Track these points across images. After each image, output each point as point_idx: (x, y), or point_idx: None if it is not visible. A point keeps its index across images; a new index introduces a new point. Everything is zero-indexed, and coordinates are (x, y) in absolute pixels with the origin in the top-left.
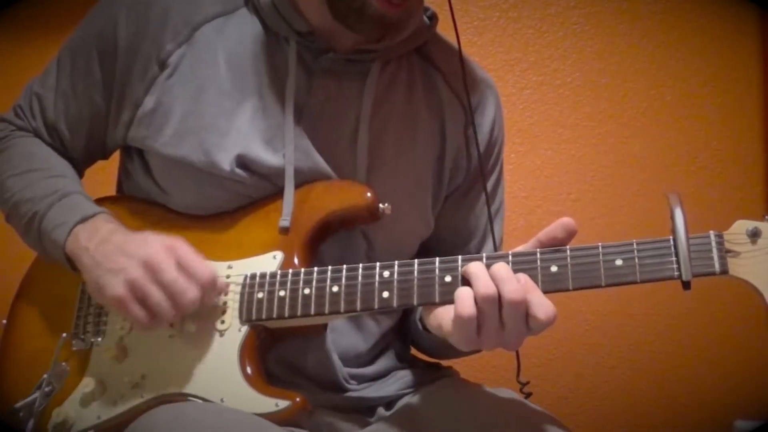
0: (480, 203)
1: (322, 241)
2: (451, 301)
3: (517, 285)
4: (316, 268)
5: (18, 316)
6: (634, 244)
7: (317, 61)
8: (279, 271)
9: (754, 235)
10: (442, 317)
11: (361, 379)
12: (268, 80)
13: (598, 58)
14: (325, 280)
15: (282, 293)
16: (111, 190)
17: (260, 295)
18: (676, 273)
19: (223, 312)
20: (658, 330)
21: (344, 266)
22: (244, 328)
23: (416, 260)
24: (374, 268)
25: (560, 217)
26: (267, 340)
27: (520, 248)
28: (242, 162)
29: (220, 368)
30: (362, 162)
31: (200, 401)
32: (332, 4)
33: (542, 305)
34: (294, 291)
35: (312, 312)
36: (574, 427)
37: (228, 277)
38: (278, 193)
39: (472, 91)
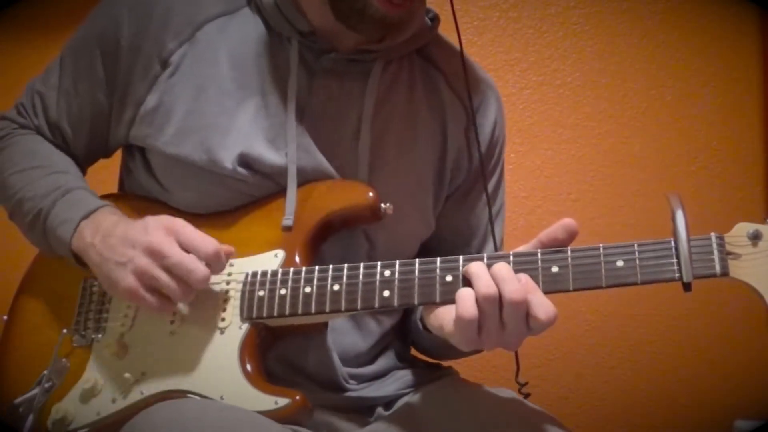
0: (481, 204)
1: (324, 241)
2: (452, 301)
3: (517, 285)
4: (317, 267)
5: (19, 312)
6: (635, 245)
7: (319, 61)
8: (280, 270)
9: (755, 237)
10: (443, 317)
11: (361, 379)
12: (270, 80)
13: (598, 58)
14: (326, 279)
15: (283, 291)
16: (113, 189)
17: (261, 293)
18: (677, 274)
19: (224, 309)
20: (659, 330)
21: (345, 265)
22: (245, 326)
23: (417, 260)
24: (375, 267)
25: (560, 217)
26: (267, 338)
27: (521, 248)
28: (244, 160)
29: (221, 365)
30: (364, 162)
31: (200, 398)
32: (334, 5)
33: (543, 305)
34: (295, 289)
35: (313, 310)
36: (574, 427)
37: (229, 274)
38: (280, 192)
39: (474, 92)
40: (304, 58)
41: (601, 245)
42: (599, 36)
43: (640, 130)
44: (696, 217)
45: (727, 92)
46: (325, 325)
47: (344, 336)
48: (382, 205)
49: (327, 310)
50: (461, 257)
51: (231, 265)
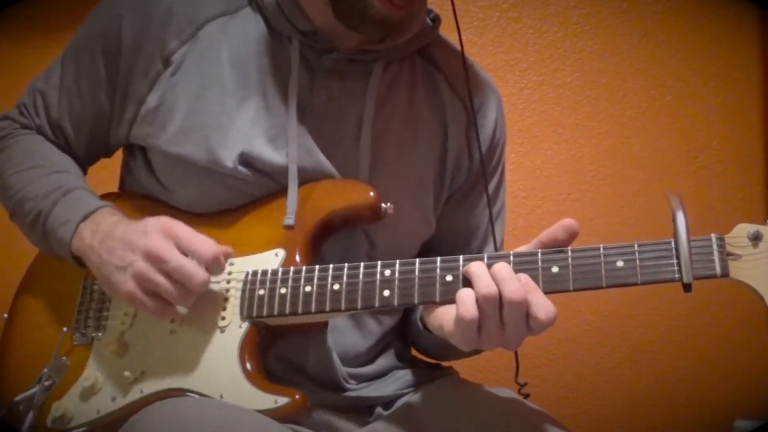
0: (481, 204)
1: (325, 240)
2: (452, 301)
3: (518, 285)
4: (317, 266)
5: (19, 310)
6: (635, 245)
7: (320, 61)
8: (280, 269)
9: (756, 238)
10: (443, 317)
11: (361, 379)
12: (271, 79)
13: (598, 58)
14: (326, 278)
15: (283, 290)
16: (113, 188)
17: (261, 292)
18: (677, 275)
19: (224, 308)
20: (659, 330)
21: (346, 264)
22: (245, 325)
23: (417, 259)
24: (375, 266)
25: (560, 217)
26: (267, 337)
27: (521, 248)
28: (245, 159)
29: (220, 364)
30: (365, 162)
31: (199, 397)
32: (335, 5)
33: (543, 305)
34: (295, 288)
35: (313, 309)
36: (574, 427)
37: (230, 273)
38: (280, 192)
39: (475, 93)
40: (305, 57)
41: (601, 245)
42: (599, 36)
43: (640, 130)
44: (696, 217)
45: (727, 92)
46: (325, 324)
47: (344, 336)
48: (383, 204)
49: (327, 309)
50: (461, 257)
51: (231, 264)
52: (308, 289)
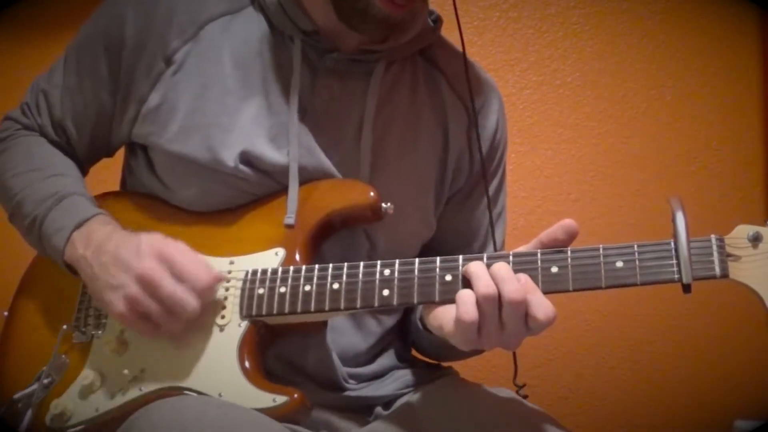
0: (482, 206)
1: (325, 239)
2: (451, 301)
3: (517, 285)
4: (317, 266)
5: (19, 308)
6: (635, 246)
7: (322, 61)
8: (280, 268)
9: (755, 239)
10: (443, 317)
11: (360, 379)
12: (273, 79)
13: (598, 58)
14: (325, 278)
15: (283, 289)
16: (114, 189)
17: (261, 291)
18: (677, 276)
19: (224, 307)
20: (659, 330)
21: (345, 264)
22: (244, 324)
23: (417, 259)
24: (375, 266)
25: (560, 217)
26: (267, 336)
27: (521, 248)
28: (246, 159)
29: (219, 363)
30: (365, 162)
31: (198, 396)
32: (337, 4)
33: (542, 306)
34: (295, 287)
35: (312, 309)
36: (574, 427)
37: (230, 272)
38: (281, 191)
39: (476, 94)
40: (307, 57)
41: (600, 246)
42: (599, 36)
43: (640, 130)
44: (695, 217)
45: (727, 92)
46: (325, 324)
47: (344, 335)
48: (383, 204)
49: (326, 308)
50: (461, 257)
51: (231, 263)
52: (308, 288)
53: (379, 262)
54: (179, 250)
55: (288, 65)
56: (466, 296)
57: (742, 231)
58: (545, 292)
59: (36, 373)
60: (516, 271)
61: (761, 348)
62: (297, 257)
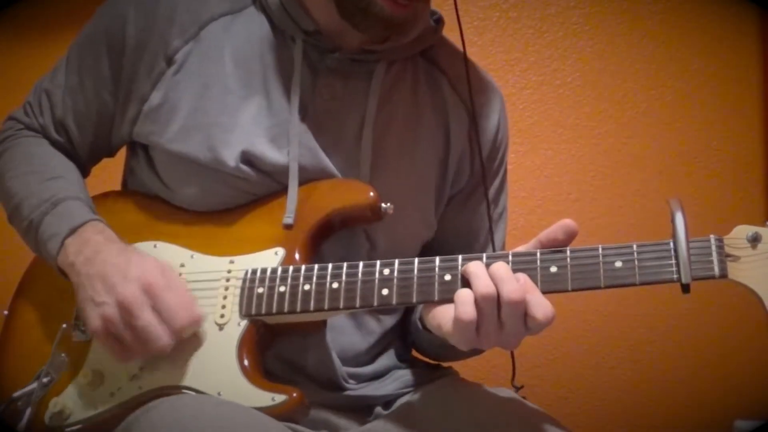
0: (483, 207)
1: (325, 239)
2: (451, 300)
3: (516, 285)
4: (316, 265)
5: (19, 307)
6: (634, 246)
7: (323, 61)
8: (280, 267)
9: (755, 240)
10: (442, 317)
11: (360, 378)
12: (274, 78)
13: (598, 58)
14: (325, 277)
15: (282, 289)
16: (115, 189)
17: (260, 290)
18: (675, 276)
19: (223, 306)
20: (658, 330)
21: (345, 263)
22: (244, 323)
23: (416, 258)
24: (374, 265)
25: (560, 217)
26: (266, 335)
27: (520, 248)
28: (247, 158)
29: (218, 362)
30: (366, 162)
31: (197, 394)
32: (339, 3)
33: (541, 305)
34: (294, 287)
35: (311, 308)
36: (574, 427)
37: (229, 272)
38: (281, 191)
39: (477, 95)
40: (308, 57)
41: (599, 246)
42: (599, 36)
43: (640, 130)
44: (695, 217)
45: (727, 92)
46: (324, 323)
47: (344, 335)
48: (383, 204)
49: (326, 307)
50: (460, 256)
51: (231, 263)
52: (307, 287)
53: (378, 261)
54: (166, 284)
55: (289, 65)
56: (464, 296)
57: (741, 231)
58: (544, 292)
59: (35, 372)
60: (515, 271)
61: (761, 348)
62: (296, 257)
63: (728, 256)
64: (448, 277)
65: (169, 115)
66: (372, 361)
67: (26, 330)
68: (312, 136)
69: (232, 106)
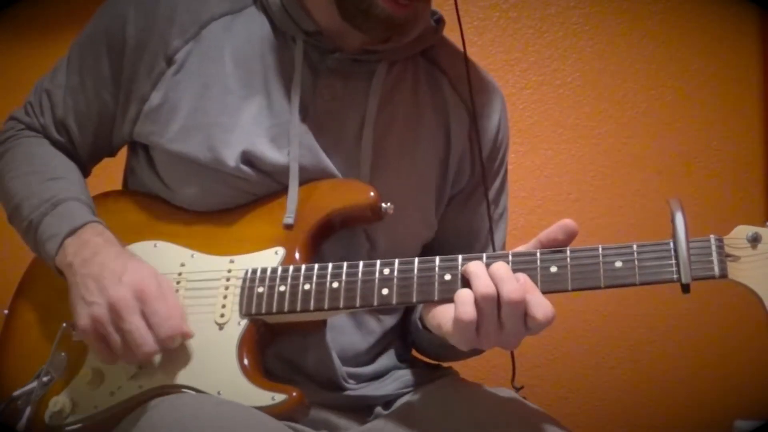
0: (484, 207)
1: (325, 239)
2: (451, 300)
3: (516, 285)
4: (317, 265)
5: (19, 306)
6: (634, 246)
7: (324, 61)
8: (280, 267)
9: (755, 240)
10: (442, 316)
11: (360, 378)
12: (275, 78)
13: (598, 58)
14: (325, 276)
15: (282, 288)
16: (116, 188)
17: (260, 289)
18: (675, 276)
19: (223, 305)
20: (659, 330)
21: (345, 263)
22: (244, 322)
23: (416, 258)
24: (375, 265)
25: (560, 217)
26: (266, 335)
27: (520, 248)
28: (247, 158)
29: (218, 361)
30: (366, 162)
31: (196, 393)
32: (340, 4)
33: (541, 305)
34: (294, 286)
35: (311, 307)
36: (574, 427)
37: (230, 271)
38: (282, 191)
39: (478, 95)
40: (308, 57)
41: (599, 246)
42: (599, 36)
43: (640, 130)
44: (695, 217)
45: (727, 92)
46: (324, 323)
47: (344, 335)
48: (383, 204)
49: (325, 307)
50: (460, 256)
51: (231, 262)
52: (307, 287)
53: (378, 261)
54: (159, 293)
55: (290, 65)
56: (464, 296)
57: (742, 231)
58: (544, 292)
59: (35, 371)
60: (515, 271)
61: (761, 348)
62: (297, 256)
63: (728, 256)
64: (448, 277)
65: (170, 115)
66: (372, 361)
67: (26, 329)
68: (312, 136)
69: (233, 106)
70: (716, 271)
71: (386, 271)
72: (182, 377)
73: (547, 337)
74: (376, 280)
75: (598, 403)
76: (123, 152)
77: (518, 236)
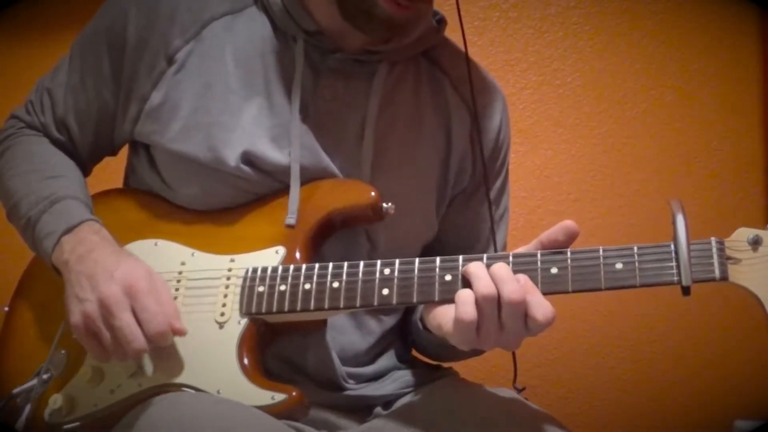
0: (485, 207)
1: (325, 239)
2: (451, 300)
3: (516, 286)
4: (317, 264)
5: (20, 303)
6: (635, 248)
7: (325, 61)
8: (280, 266)
9: (755, 242)
10: (442, 317)
11: (360, 379)
12: (275, 78)
13: (598, 58)
14: (325, 276)
15: (282, 288)
16: (117, 187)
17: (261, 289)
18: (676, 278)
19: (224, 304)
20: (658, 330)
21: (345, 263)
22: (244, 321)
23: (417, 258)
24: (375, 265)
25: (560, 217)
26: (266, 334)
27: (521, 249)
28: (247, 158)
29: (218, 360)
30: (367, 162)
31: (196, 392)
32: (341, 4)
33: (541, 306)
34: (294, 286)
35: (311, 307)
36: (574, 427)
37: (230, 270)
38: (282, 190)
39: (479, 96)
40: (309, 57)
41: (600, 247)
42: (599, 36)
43: (640, 130)
44: (695, 218)
45: (727, 92)
46: (324, 323)
47: (344, 334)
48: (384, 204)
49: (326, 306)
50: (461, 257)
51: (232, 261)
52: (307, 286)
53: (379, 261)
54: (149, 288)
55: (291, 65)
56: (465, 296)
57: (742, 234)
58: (544, 293)
59: (35, 369)
60: (515, 272)
61: (761, 348)
62: (297, 256)
63: (729, 258)
64: (448, 278)
65: (170, 114)
66: (372, 361)
67: (26, 327)
68: (313, 136)
69: (234, 106)
70: (717, 273)
71: (387, 271)
72: (182, 376)
73: (547, 338)
74: (377, 280)
75: (598, 403)
76: (124, 151)
77: (518, 236)
